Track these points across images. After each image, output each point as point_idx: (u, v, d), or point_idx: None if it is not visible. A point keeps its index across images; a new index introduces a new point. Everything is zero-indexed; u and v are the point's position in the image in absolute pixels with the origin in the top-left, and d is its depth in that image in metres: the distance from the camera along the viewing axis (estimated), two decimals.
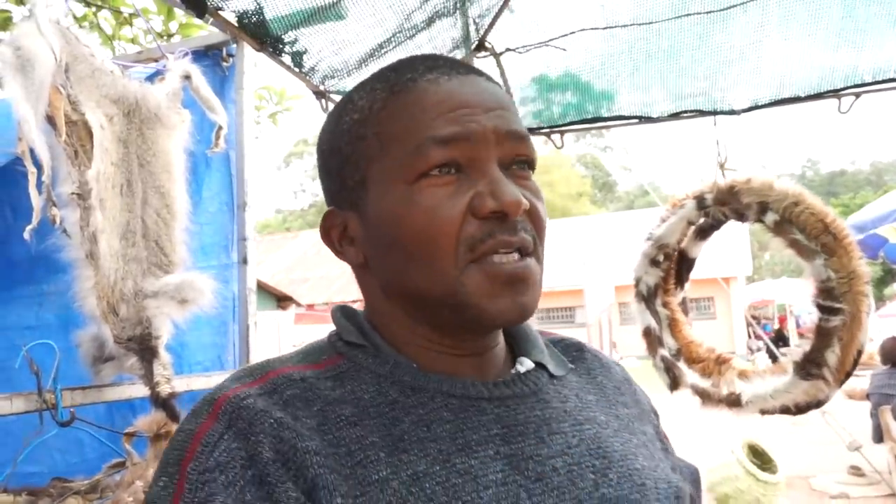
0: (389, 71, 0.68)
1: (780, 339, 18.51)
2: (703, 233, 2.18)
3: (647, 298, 2.26)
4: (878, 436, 5.99)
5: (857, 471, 6.11)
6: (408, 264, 0.63)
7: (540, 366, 0.72)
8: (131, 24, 3.83)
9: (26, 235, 1.40)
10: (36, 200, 1.42)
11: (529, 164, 0.66)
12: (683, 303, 2.34)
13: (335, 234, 0.70)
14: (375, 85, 0.67)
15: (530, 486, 0.60)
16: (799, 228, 1.82)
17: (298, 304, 19.46)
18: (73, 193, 1.54)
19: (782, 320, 20.68)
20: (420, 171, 0.61)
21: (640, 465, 0.67)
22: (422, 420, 0.62)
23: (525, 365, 0.71)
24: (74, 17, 3.42)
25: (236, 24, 1.56)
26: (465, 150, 0.61)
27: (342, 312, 0.73)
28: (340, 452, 0.58)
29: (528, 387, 0.68)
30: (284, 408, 0.60)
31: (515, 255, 0.62)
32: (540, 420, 0.65)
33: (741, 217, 1.99)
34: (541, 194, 0.66)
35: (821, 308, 1.81)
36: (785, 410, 1.89)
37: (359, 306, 0.77)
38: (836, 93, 2.07)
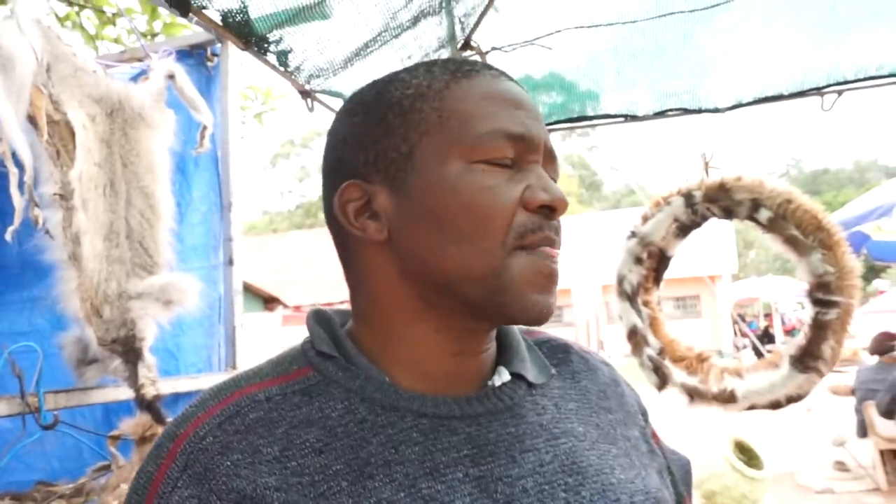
0: (445, 61, 0.69)
1: (766, 336, 18.68)
2: (684, 231, 2.19)
3: (631, 297, 2.27)
4: (863, 431, 6.05)
5: (841, 466, 6.18)
6: (450, 240, 0.62)
7: (518, 376, 0.69)
8: (114, 24, 3.80)
9: (8, 237, 1.39)
10: (18, 201, 1.40)
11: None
12: (658, 302, 2.35)
13: (352, 207, 0.66)
14: (432, 68, 0.67)
15: None
16: (795, 225, 1.85)
17: (286, 306, 19.40)
18: (55, 194, 1.52)
19: (769, 318, 20.87)
20: (485, 157, 0.62)
21: (615, 480, 0.65)
22: (390, 441, 0.61)
23: (501, 377, 0.69)
24: (57, 17, 3.39)
25: (220, 24, 1.55)
26: (524, 150, 0.64)
27: (316, 318, 0.71)
28: (304, 482, 0.57)
29: (503, 401, 0.66)
30: (245, 436, 0.60)
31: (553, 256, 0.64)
32: (513, 437, 0.64)
33: (729, 214, 2.01)
34: None
35: (817, 302, 1.85)
36: (775, 405, 1.92)
37: (346, 307, 0.74)
38: (818, 90, 2.09)
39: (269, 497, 0.56)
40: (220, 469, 0.58)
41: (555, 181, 0.68)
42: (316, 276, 23.29)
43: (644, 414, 0.80)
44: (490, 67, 0.68)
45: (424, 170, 0.63)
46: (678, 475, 0.79)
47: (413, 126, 0.64)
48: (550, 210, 0.63)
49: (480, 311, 0.63)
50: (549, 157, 0.67)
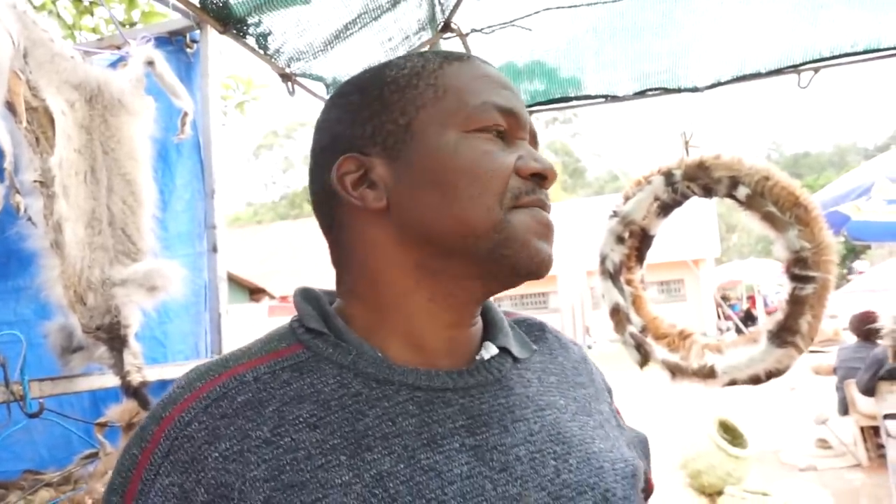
0: (437, 51, 0.76)
1: (749, 318, 18.89)
2: (665, 210, 2.21)
3: (614, 276, 2.29)
4: (844, 409, 6.15)
5: (824, 443, 6.28)
6: (452, 201, 0.65)
7: (504, 350, 0.72)
8: (92, 14, 3.76)
9: None
10: None
11: None
12: (641, 280, 2.38)
13: (350, 179, 0.68)
14: (425, 54, 0.72)
15: (495, 476, 0.61)
16: (772, 201, 1.87)
17: (272, 297, 19.34)
18: (35, 181, 1.51)
19: (752, 301, 21.10)
20: (479, 125, 0.67)
21: (597, 448, 0.70)
22: (386, 414, 0.62)
23: (489, 351, 0.71)
24: (33, 6, 3.34)
25: (199, 6, 1.53)
26: (513, 125, 0.69)
27: (303, 296, 0.71)
28: (299, 457, 0.58)
29: (492, 374, 0.69)
30: (233, 420, 0.60)
31: None
32: (504, 408, 0.66)
33: (709, 192, 2.03)
34: None
35: (795, 277, 1.87)
36: (755, 380, 1.94)
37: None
38: (795, 68, 2.10)
39: (259, 487, 0.56)
40: (208, 461, 0.58)
41: None
42: (301, 267, 23.21)
43: (609, 391, 0.85)
44: (476, 57, 0.74)
45: (424, 139, 0.66)
46: (639, 450, 0.83)
47: (410, 100, 0.68)
48: (541, 178, 0.67)
49: (485, 268, 0.66)
50: (534, 139, 0.72)
